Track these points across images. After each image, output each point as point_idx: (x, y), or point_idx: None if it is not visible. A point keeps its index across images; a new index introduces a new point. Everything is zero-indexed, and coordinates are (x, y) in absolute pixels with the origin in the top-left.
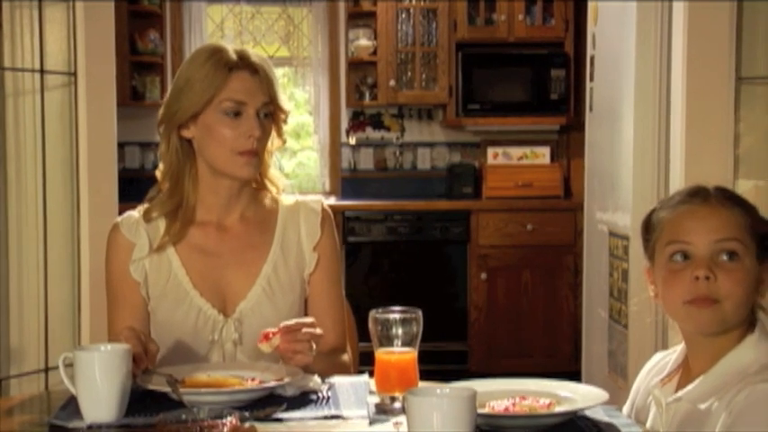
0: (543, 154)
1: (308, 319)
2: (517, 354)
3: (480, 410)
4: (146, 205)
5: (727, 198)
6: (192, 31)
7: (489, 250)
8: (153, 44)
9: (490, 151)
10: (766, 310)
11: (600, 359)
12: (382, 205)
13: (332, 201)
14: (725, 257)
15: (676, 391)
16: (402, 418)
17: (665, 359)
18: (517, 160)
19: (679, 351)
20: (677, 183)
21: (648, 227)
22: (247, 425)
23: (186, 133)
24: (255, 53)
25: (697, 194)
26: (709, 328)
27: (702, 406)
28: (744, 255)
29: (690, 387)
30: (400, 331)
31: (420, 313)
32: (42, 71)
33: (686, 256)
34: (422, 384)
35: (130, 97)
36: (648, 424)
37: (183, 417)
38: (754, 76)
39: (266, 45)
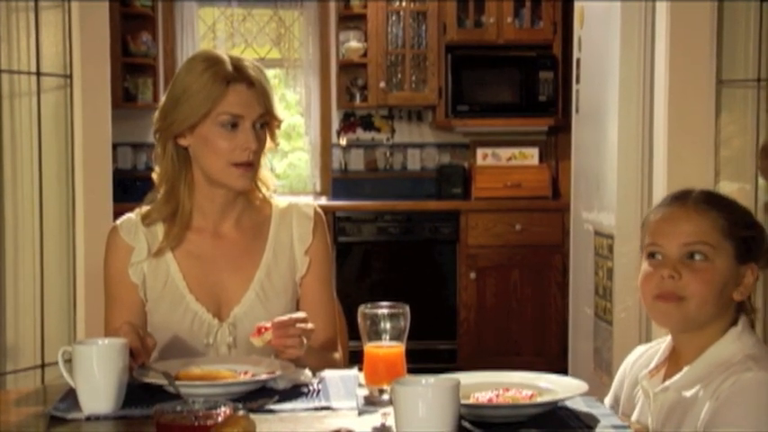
0: (532, 155)
1: (301, 315)
2: (506, 352)
3: (465, 401)
4: (144, 208)
5: (705, 202)
6: (184, 32)
7: (478, 250)
8: (145, 46)
9: (479, 152)
10: (755, 310)
11: (586, 356)
12: (373, 205)
13: (323, 201)
14: (693, 258)
15: (663, 381)
16: (390, 409)
17: (649, 352)
18: (506, 161)
19: (666, 344)
20: (660, 183)
21: (642, 228)
22: (241, 413)
23: (183, 141)
24: (251, 64)
25: (677, 199)
26: (673, 323)
27: (688, 394)
28: (714, 257)
29: (676, 377)
30: (388, 326)
31: (407, 308)
32: (38, 73)
33: (660, 257)
34: (408, 376)
35: (123, 99)
36: (635, 414)
37: (179, 408)
38: (735, 78)
39: (258, 47)
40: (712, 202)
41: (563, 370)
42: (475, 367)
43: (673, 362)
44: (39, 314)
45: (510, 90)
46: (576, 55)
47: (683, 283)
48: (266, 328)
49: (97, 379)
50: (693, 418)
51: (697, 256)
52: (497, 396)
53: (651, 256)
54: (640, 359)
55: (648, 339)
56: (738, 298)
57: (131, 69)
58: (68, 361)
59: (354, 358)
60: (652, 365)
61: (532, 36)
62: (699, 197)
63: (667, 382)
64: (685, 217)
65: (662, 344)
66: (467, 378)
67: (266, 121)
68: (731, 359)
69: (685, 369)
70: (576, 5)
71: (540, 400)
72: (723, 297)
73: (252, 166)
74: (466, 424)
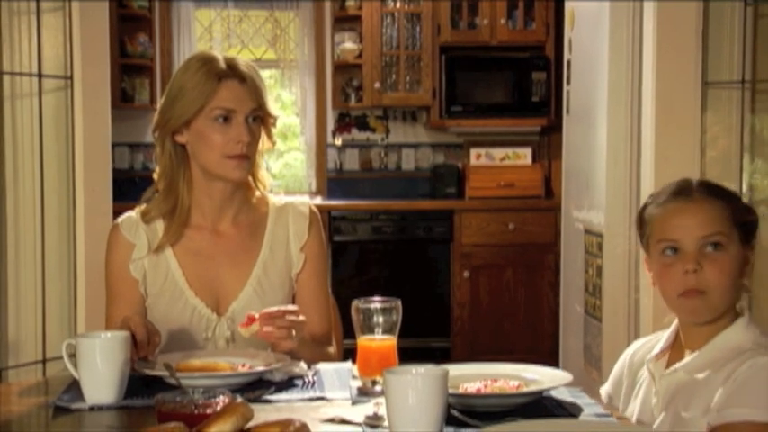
0: (525, 155)
1: (292, 307)
2: (499, 350)
3: (454, 391)
4: (143, 206)
5: (709, 192)
6: (181, 34)
7: (472, 249)
8: (142, 47)
9: (473, 152)
10: (750, 289)
11: (576, 353)
12: (367, 205)
13: (318, 201)
14: (710, 249)
15: (667, 366)
16: (382, 399)
17: (651, 342)
18: (499, 161)
19: (669, 333)
20: (648, 182)
21: (642, 222)
22: (239, 400)
23: (180, 139)
24: (244, 62)
25: (682, 191)
26: (700, 317)
27: (698, 376)
28: (728, 243)
29: (686, 360)
30: (381, 319)
31: (399, 303)
32: (40, 75)
33: (676, 251)
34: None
35: (120, 99)
36: (640, 395)
37: (179, 398)
38: (720, 80)
39: (254, 48)
40: (715, 191)
41: (555, 367)
42: None
43: (676, 349)
44: (40, 310)
45: (503, 91)
46: (566, 56)
47: (704, 275)
48: (254, 319)
49: (100, 370)
50: (702, 399)
51: (714, 247)
52: (485, 386)
53: (669, 250)
54: (642, 349)
55: (637, 335)
56: (746, 281)
57: (128, 70)
58: (72, 355)
59: (348, 356)
60: (657, 350)
61: (525, 37)
62: (702, 188)
63: (677, 365)
64: (696, 209)
65: (661, 335)
66: (456, 369)
67: (259, 116)
68: (742, 346)
69: (696, 353)
70: (567, 7)
71: (526, 390)
72: (737, 282)
73: (247, 158)
74: (455, 413)
